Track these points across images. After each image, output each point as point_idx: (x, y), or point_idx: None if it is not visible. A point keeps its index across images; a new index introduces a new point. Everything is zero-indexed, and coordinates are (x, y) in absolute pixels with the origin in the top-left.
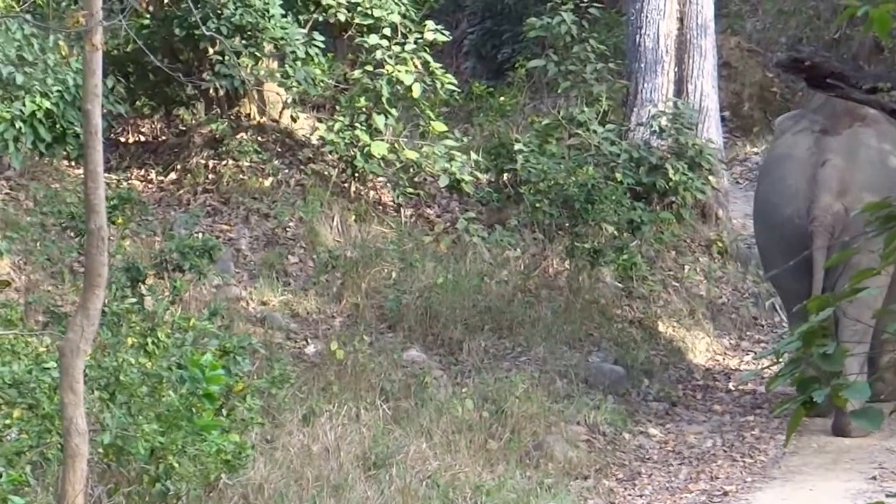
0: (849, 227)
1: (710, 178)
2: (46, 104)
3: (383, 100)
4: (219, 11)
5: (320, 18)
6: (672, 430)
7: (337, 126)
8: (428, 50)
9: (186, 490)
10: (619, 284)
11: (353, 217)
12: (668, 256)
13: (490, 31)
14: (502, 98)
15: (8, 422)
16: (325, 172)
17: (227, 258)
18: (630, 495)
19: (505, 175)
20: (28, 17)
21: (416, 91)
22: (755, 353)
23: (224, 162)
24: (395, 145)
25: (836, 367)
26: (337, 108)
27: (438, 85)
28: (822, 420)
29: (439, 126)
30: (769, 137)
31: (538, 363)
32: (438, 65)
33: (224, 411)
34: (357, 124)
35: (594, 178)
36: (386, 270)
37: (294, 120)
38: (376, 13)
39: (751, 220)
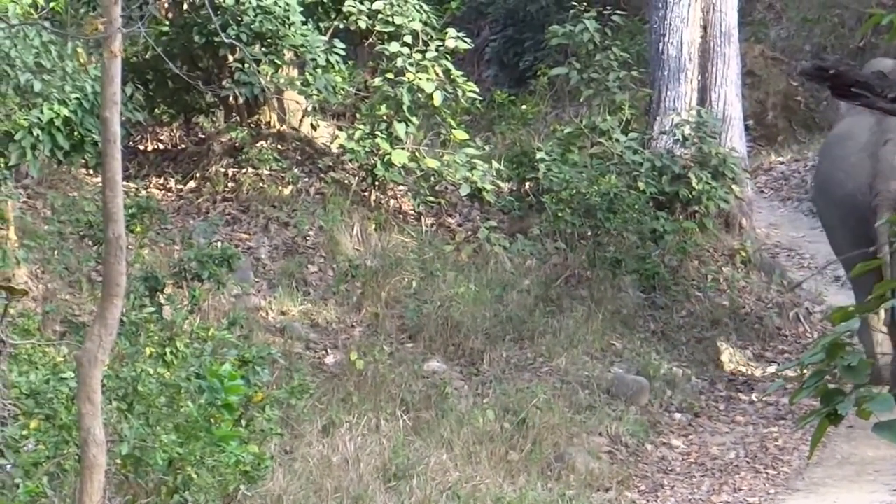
0: None
1: (734, 187)
2: (64, 112)
3: (404, 108)
4: (239, 18)
5: (341, 26)
6: (695, 442)
7: (357, 134)
8: (449, 58)
9: (205, 501)
10: (642, 294)
11: (374, 226)
12: (691, 266)
13: (512, 38)
14: (524, 106)
15: (25, 432)
16: (346, 181)
17: (246, 267)
18: None
19: (527, 184)
20: (46, 24)
21: (438, 99)
22: (779, 364)
23: (243, 170)
24: (416, 154)
25: (860, 380)
26: (357, 116)
27: (460, 93)
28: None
29: (461, 134)
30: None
31: (560, 374)
32: (460, 73)
33: (243, 422)
34: (378, 132)
35: (616, 186)
36: (406, 280)
37: (314, 128)
38: (397, 20)
39: (774, 230)
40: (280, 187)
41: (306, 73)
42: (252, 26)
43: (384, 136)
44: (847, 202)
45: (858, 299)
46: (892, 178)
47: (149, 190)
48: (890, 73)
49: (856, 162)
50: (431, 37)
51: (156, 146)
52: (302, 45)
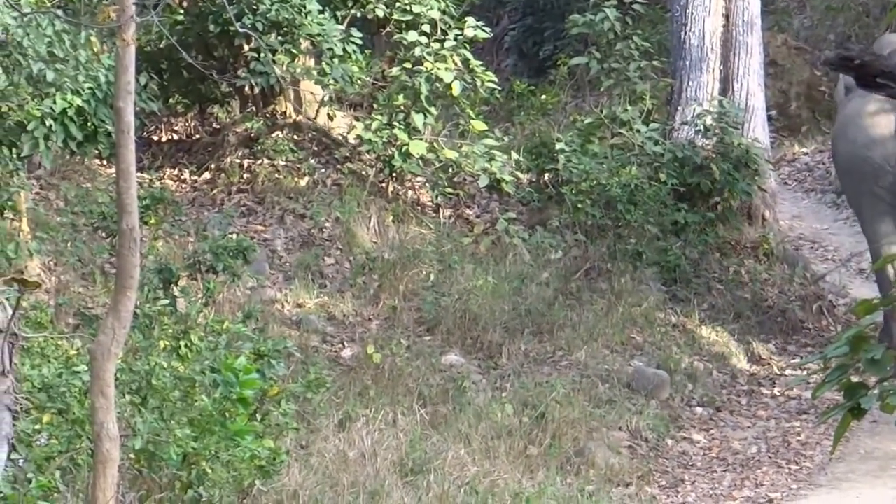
0: None
1: (756, 178)
2: (78, 101)
3: (422, 98)
4: (254, 7)
5: (358, 14)
6: (716, 436)
7: (374, 124)
8: (468, 47)
9: (219, 497)
10: (662, 287)
11: (391, 217)
12: (713, 258)
13: (531, 27)
14: (544, 96)
15: (38, 426)
16: (363, 172)
17: (261, 259)
18: (673, 503)
19: (546, 175)
20: (59, 12)
21: (456, 89)
22: (801, 358)
23: (259, 161)
24: (434, 144)
25: (884, 373)
26: (374, 106)
27: (478, 83)
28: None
29: (479, 125)
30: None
31: (579, 367)
32: (478, 62)
33: (258, 416)
34: (395, 123)
35: (637, 178)
36: (424, 272)
37: (331, 118)
38: (415, 9)
39: (797, 222)
40: (296, 178)
41: (323, 63)
42: (268, 15)
43: (402, 127)
44: (878, 174)
45: (883, 289)
46: None
47: (163, 181)
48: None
49: (879, 133)
50: (450, 26)
51: (170, 136)
52: (318, 35)
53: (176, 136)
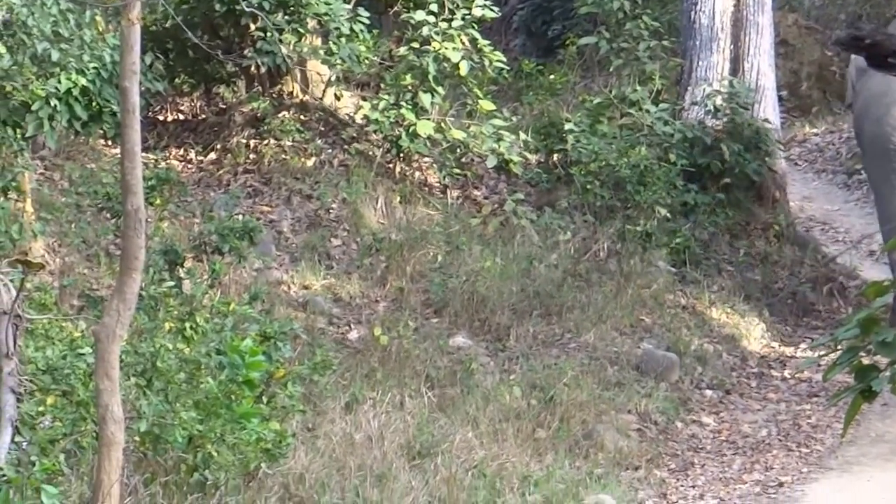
0: None
1: (767, 159)
2: (82, 81)
3: (430, 78)
4: None
5: None
6: (726, 419)
7: (382, 105)
8: (476, 26)
9: (225, 479)
10: (672, 269)
11: (398, 198)
12: (723, 240)
13: (540, 6)
14: (552, 76)
15: (42, 409)
16: (370, 152)
17: (268, 240)
18: (682, 486)
19: (555, 156)
20: None
21: (464, 69)
22: (812, 340)
23: (265, 141)
24: (442, 125)
25: (895, 355)
26: (382, 86)
27: (486, 62)
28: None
29: (487, 105)
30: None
31: (588, 350)
32: (486, 42)
33: (264, 398)
34: (402, 103)
35: (647, 158)
36: (431, 254)
37: (338, 98)
38: None
39: (808, 203)
40: (303, 159)
41: (330, 42)
42: None
43: (409, 107)
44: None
45: None
46: None
47: (168, 161)
48: None
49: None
50: (458, 5)
51: (176, 117)
52: (325, 14)
53: (181, 116)
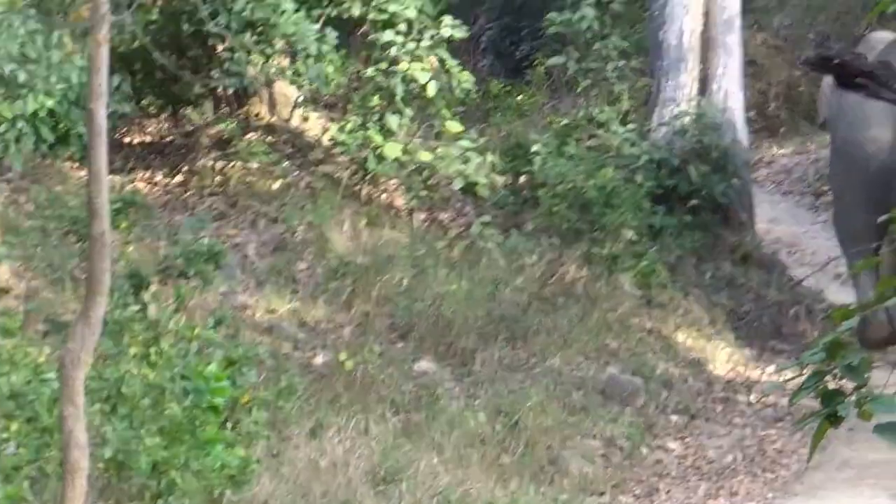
0: None
1: (734, 180)
2: (49, 103)
3: (397, 99)
4: (229, 6)
5: (333, 14)
6: (691, 444)
7: (349, 126)
8: (444, 47)
9: None
10: (638, 292)
11: (365, 221)
12: (689, 263)
13: (508, 27)
14: (520, 97)
15: (6, 435)
16: (336, 175)
17: (233, 264)
18: None
19: (522, 177)
20: (31, 12)
21: (432, 90)
22: (778, 365)
23: (232, 164)
24: (409, 146)
25: (862, 380)
26: (349, 107)
27: (454, 83)
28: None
29: (455, 126)
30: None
31: (553, 374)
32: (455, 62)
33: (229, 424)
34: (370, 124)
35: (614, 180)
36: (397, 277)
37: (305, 120)
38: (391, 8)
39: (775, 225)
40: (269, 181)
41: (297, 63)
42: (242, 14)
43: (376, 128)
44: (870, 164)
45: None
46: None
47: (135, 184)
48: (888, 46)
49: (879, 124)
50: (426, 25)
51: (142, 139)
52: (293, 34)
53: (148, 139)
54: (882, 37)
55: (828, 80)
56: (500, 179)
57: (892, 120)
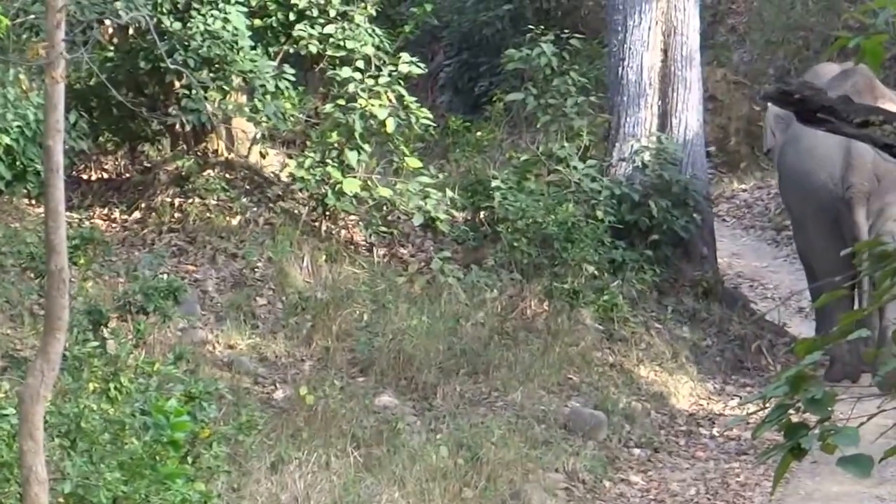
0: (880, 195)
1: (695, 215)
2: (6, 140)
3: (356, 135)
4: (185, 43)
5: (291, 50)
6: (654, 478)
7: (307, 162)
8: (402, 83)
9: None
10: (600, 327)
11: (324, 257)
12: (651, 297)
13: (467, 63)
14: (479, 133)
15: None
16: (295, 211)
17: (192, 300)
18: None
19: (482, 213)
20: None
21: (390, 126)
22: (741, 398)
23: (190, 200)
24: (368, 182)
25: (825, 414)
26: (308, 143)
27: (413, 119)
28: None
29: (414, 162)
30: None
31: (515, 408)
32: (413, 98)
33: (189, 459)
34: (328, 160)
35: (574, 215)
36: (357, 312)
37: (263, 156)
38: (349, 45)
39: (736, 259)
40: (228, 217)
41: (255, 100)
42: (199, 51)
43: (335, 165)
44: (819, 194)
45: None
46: (864, 170)
47: (92, 221)
48: (834, 78)
49: (826, 153)
50: (384, 62)
51: (100, 175)
52: (251, 71)
53: (106, 175)
54: (829, 69)
55: (772, 109)
56: (459, 215)
57: (842, 148)
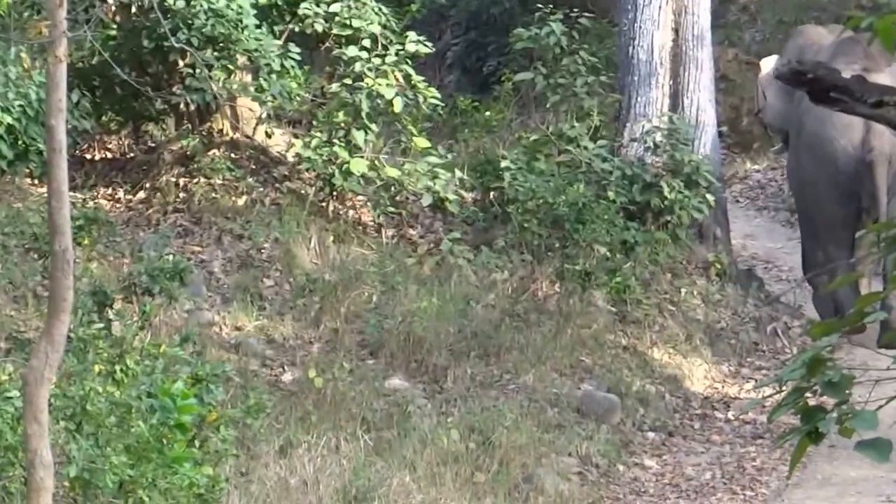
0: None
1: (708, 196)
2: (8, 119)
3: (363, 114)
4: (189, 22)
5: (296, 29)
6: (669, 462)
7: (314, 142)
8: (410, 62)
9: None
10: (612, 308)
11: (332, 238)
12: (664, 279)
13: (475, 42)
14: (488, 113)
15: None
16: (302, 191)
17: (198, 281)
18: None
19: (491, 193)
20: None
21: (398, 105)
22: (756, 381)
23: (195, 180)
24: (376, 162)
25: (842, 397)
26: (314, 123)
27: (421, 99)
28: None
29: (422, 142)
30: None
31: (527, 391)
32: (421, 78)
33: (196, 442)
34: (335, 140)
35: (585, 196)
36: (366, 294)
37: (269, 136)
38: (355, 23)
39: (750, 241)
40: (234, 198)
41: (260, 79)
42: (203, 30)
43: (342, 144)
44: (838, 158)
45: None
46: (884, 134)
47: (96, 201)
48: (821, 41)
49: (847, 120)
50: (391, 40)
51: (103, 155)
52: (255, 50)
53: (109, 155)
54: (818, 31)
55: (765, 72)
56: (468, 195)
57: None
